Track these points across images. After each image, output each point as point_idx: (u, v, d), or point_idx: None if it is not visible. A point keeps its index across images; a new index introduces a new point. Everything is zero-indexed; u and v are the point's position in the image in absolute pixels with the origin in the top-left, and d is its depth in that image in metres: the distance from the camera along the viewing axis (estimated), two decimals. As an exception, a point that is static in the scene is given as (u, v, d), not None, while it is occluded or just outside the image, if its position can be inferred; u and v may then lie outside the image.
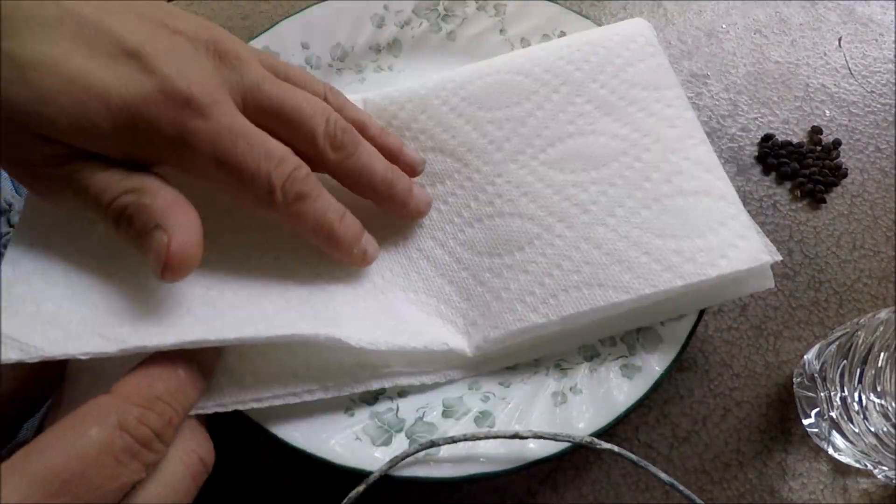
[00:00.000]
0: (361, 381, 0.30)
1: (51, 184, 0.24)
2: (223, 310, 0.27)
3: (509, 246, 0.32)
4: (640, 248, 0.31)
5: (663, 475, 0.28)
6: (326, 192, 0.29)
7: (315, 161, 0.28)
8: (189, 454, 0.23)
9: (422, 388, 0.31)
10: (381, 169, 0.30)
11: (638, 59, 0.36)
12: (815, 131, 0.42)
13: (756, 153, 0.42)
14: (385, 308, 0.31)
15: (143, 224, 0.23)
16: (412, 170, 0.33)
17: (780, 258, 0.31)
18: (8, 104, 0.23)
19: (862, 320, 0.30)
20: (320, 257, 0.31)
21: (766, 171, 0.41)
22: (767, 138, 0.42)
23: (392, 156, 0.32)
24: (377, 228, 0.33)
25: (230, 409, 0.27)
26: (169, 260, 0.23)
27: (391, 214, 0.33)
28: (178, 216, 0.24)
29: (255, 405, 0.28)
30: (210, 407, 0.26)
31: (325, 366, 0.29)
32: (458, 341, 0.31)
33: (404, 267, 0.33)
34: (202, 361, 0.25)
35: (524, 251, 0.32)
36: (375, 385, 0.30)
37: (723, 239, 0.31)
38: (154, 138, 0.24)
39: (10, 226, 0.44)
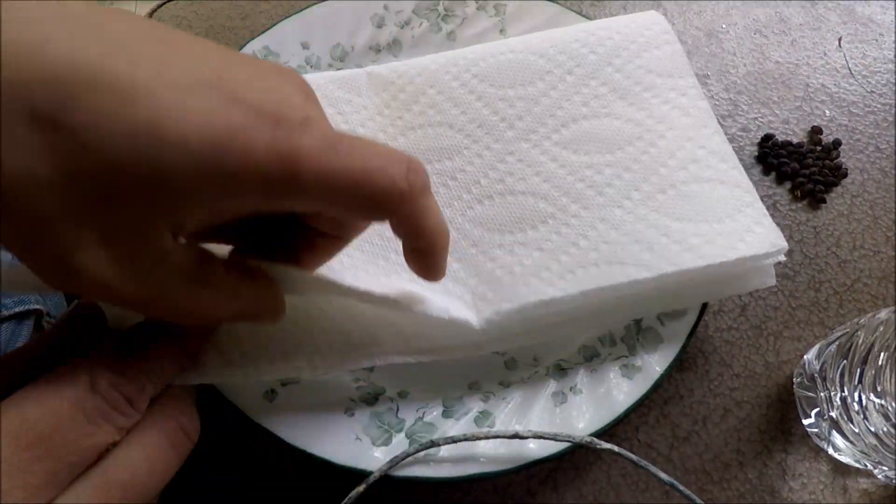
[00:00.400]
0: (352, 359, 0.28)
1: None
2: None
3: (522, 224, 0.32)
4: (659, 229, 0.31)
5: (663, 475, 0.28)
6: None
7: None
8: (167, 420, 0.23)
9: (422, 388, 0.31)
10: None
11: (654, 45, 0.36)
12: (815, 131, 0.42)
13: (756, 153, 0.42)
14: (391, 286, 0.30)
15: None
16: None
17: (788, 247, 0.31)
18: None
19: (862, 320, 0.30)
20: None
21: (766, 171, 0.41)
22: (767, 138, 0.42)
23: None
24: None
25: (215, 381, 0.26)
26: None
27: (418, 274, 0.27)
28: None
29: (242, 379, 0.27)
30: (193, 378, 0.26)
31: (314, 345, 0.28)
32: (465, 314, 0.29)
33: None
34: (187, 337, 0.25)
35: (537, 229, 0.32)
36: (366, 363, 0.28)
37: (740, 224, 0.31)
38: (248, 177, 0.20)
39: None
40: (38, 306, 0.42)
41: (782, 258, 0.31)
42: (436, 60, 0.36)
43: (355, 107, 0.36)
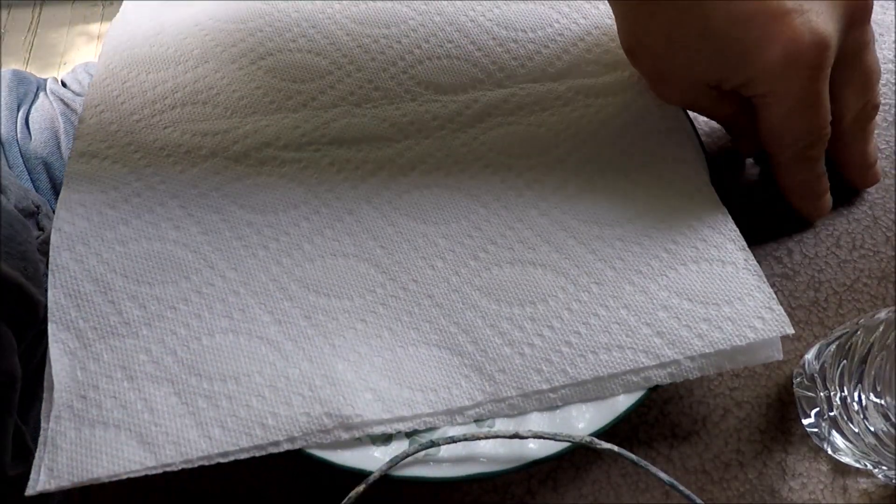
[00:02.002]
0: (329, 432, 0.28)
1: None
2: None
3: (532, 296, 0.32)
4: (669, 311, 0.31)
5: (663, 475, 0.28)
6: None
7: None
8: None
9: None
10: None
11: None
12: None
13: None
14: (391, 369, 0.30)
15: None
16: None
17: (794, 332, 0.31)
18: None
19: (862, 320, 0.30)
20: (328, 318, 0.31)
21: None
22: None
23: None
24: (381, 273, 0.33)
25: (197, 465, 0.27)
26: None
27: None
28: None
29: (222, 460, 0.27)
30: (179, 465, 0.27)
31: (292, 416, 0.28)
32: (464, 400, 0.30)
33: (414, 316, 0.32)
34: None
35: (547, 303, 0.32)
36: (345, 436, 0.28)
37: (749, 309, 0.31)
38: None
39: (40, 228, 0.44)
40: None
41: (792, 331, 0.31)
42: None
43: None
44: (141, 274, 0.31)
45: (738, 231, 0.33)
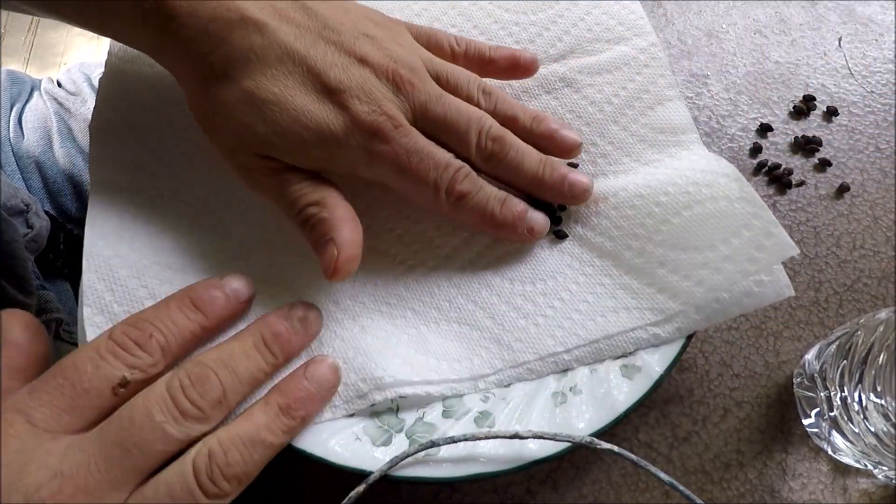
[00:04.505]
0: (365, 396, 0.29)
1: (264, 188, 0.31)
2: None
3: (542, 274, 0.33)
4: (667, 265, 0.32)
5: (663, 475, 0.28)
6: (487, 185, 0.32)
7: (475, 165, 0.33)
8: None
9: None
10: (531, 166, 0.33)
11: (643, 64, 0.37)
12: (808, 99, 0.43)
13: (750, 146, 0.42)
14: (417, 343, 0.32)
15: (321, 235, 0.30)
16: (567, 152, 0.34)
17: (798, 251, 0.30)
18: (245, 133, 0.30)
19: (862, 320, 0.30)
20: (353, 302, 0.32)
21: (758, 169, 0.41)
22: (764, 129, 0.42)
23: (546, 141, 0.34)
24: (401, 261, 0.34)
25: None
26: (336, 269, 0.29)
27: (556, 202, 0.34)
28: (346, 232, 0.30)
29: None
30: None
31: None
32: (485, 368, 0.31)
33: (434, 297, 0.33)
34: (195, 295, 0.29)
35: (556, 279, 0.33)
36: (379, 398, 0.29)
37: (747, 241, 0.31)
38: (349, 157, 0.31)
39: (29, 226, 0.44)
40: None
41: (797, 251, 0.30)
42: None
43: None
44: (172, 261, 0.32)
45: (731, 166, 0.33)
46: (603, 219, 0.33)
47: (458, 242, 0.34)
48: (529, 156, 0.33)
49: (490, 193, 0.32)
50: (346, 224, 0.30)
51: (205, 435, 0.26)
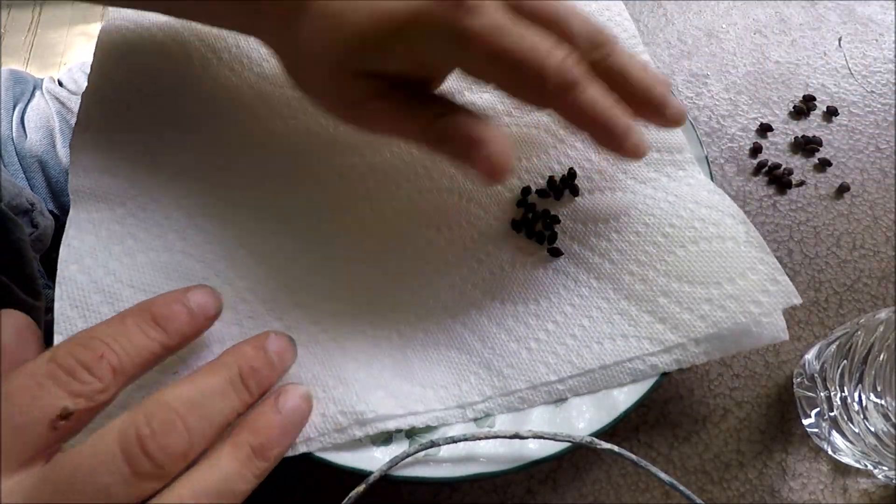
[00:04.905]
0: (344, 430, 0.28)
1: (371, 115, 0.28)
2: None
3: (534, 294, 0.32)
4: (670, 296, 0.31)
5: (663, 475, 0.28)
6: (598, 82, 0.27)
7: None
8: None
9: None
10: (638, 72, 0.28)
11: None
12: (808, 99, 0.43)
13: (750, 146, 0.42)
14: (402, 368, 0.30)
15: (463, 137, 0.26)
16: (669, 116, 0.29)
17: (801, 301, 0.30)
18: (329, 49, 0.27)
19: (862, 320, 0.30)
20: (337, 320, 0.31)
21: (758, 169, 0.41)
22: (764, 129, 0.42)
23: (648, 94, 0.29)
24: (388, 279, 0.33)
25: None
26: (496, 167, 0.25)
27: (654, 120, 0.29)
28: (488, 130, 0.26)
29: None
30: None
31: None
32: (474, 395, 0.30)
33: (421, 318, 0.32)
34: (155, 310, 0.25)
35: (550, 300, 0.32)
36: (360, 434, 0.28)
37: (752, 283, 0.30)
38: (437, 42, 0.26)
39: (34, 226, 0.44)
40: None
41: (800, 300, 0.30)
42: None
43: None
44: (148, 284, 0.31)
45: (736, 206, 0.33)
46: (602, 240, 0.33)
47: (447, 260, 0.33)
48: (635, 63, 0.28)
49: (601, 92, 0.27)
50: (481, 121, 0.26)
51: (158, 492, 0.22)
